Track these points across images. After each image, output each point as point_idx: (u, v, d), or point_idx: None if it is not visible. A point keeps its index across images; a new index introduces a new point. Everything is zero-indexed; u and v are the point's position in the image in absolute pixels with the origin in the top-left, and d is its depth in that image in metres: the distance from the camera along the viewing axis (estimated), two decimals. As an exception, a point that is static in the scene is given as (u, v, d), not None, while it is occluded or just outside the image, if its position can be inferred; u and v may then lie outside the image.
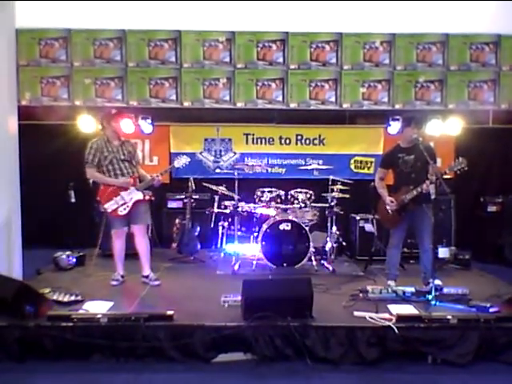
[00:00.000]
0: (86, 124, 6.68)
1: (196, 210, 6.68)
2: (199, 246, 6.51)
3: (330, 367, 3.69)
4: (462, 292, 4.66)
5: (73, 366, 3.69)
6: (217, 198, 6.62)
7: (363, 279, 5.53)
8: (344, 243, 6.68)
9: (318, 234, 6.36)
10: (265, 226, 5.86)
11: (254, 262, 5.84)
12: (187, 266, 6.26)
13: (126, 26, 6.46)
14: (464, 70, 6.61)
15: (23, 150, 5.37)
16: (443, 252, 6.06)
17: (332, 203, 6.20)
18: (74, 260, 5.96)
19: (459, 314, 4.04)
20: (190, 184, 6.47)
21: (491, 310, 4.17)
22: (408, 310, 4.23)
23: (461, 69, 6.62)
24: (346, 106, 6.68)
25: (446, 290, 4.67)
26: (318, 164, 6.80)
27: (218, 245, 6.72)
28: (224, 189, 6.50)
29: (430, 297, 4.40)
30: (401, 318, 3.89)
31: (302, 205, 6.11)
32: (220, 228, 6.65)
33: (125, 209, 5.00)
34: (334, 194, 6.24)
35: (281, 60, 6.61)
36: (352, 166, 7.47)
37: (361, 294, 4.62)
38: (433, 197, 4.52)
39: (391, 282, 5.01)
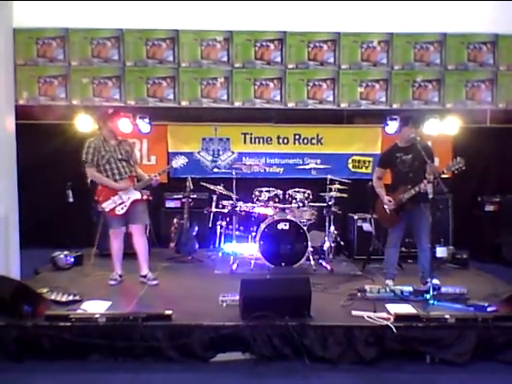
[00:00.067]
0: (84, 123, 6.67)
1: (194, 210, 6.67)
2: (197, 246, 6.52)
3: (328, 366, 3.69)
4: (460, 291, 4.68)
5: (71, 365, 3.68)
6: (215, 197, 6.64)
7: (361, 279, 5.53)
8: (342, 243, 6.69)
9: (316, 233, 6.37)
10: (263, 226, 5.86)
11: (252, 262, 5.85)
12: (185, 265, 6.26)
13: (124, 25, 6.44)
14: (462, 70, 6.60)
15: (21, 150, 5.37)
16: (441, 251, 6.07)
17: (330, 203, 6.20)
18: (72, 260, 5.96)
19: (457, 313, 4.06)
20: (187, 183, 6.47)
21: (489, 309, 4.18)
22: (406, 309, 4.23)
23: (458, 68, 6.61)
24: (343, 105, 6.66)
25: (443, 290, 4.68)
26: (316, 163, 6.82)
27: (216, 244, 6.74)
28: (222, 188, 6.51)
29: (427, 296, 4.41)
30: (399, 318, 3.90)
31: (300, 204, 6.11)
32: (218, 227, 6.67)
33: (122, 208, 5.00)
34: (331, 193, 6.24)
35: (279, 59, 6.59)
36: (350, 166, 7.49)
37: (359, 294, 4.63)
38: (430, 196, 4.54)
39: (389, 282, 5.02)
